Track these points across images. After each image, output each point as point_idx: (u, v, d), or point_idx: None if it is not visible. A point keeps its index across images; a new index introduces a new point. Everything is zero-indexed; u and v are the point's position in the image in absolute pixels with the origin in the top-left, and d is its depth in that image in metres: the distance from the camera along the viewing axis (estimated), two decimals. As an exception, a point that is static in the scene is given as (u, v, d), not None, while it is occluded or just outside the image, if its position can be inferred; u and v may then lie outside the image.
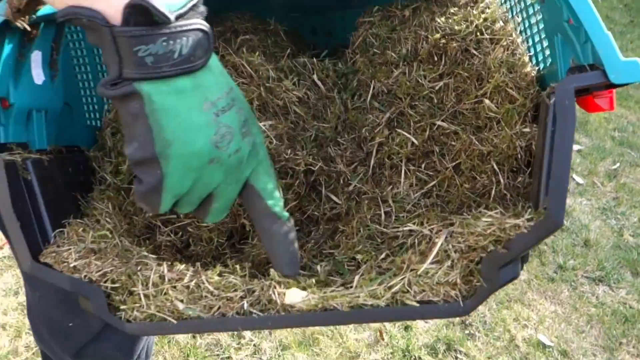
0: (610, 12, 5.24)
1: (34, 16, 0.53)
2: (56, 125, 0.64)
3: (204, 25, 0.43)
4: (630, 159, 2.81)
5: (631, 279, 2.08)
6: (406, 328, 1.77)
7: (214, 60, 0.46)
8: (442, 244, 0.52)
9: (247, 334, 1.69)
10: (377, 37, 0.71)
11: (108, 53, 0.42)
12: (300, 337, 1.70)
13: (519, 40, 0.67)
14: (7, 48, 0.54)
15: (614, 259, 2.15)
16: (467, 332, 1.80)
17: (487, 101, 0.65)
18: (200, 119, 0.45)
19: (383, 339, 1.73)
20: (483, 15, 0.67)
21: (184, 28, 0.42)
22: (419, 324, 1.82)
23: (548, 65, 0.66)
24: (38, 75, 0.59)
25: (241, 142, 0.48)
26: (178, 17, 0.42)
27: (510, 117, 0.64)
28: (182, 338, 1.67)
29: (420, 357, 1.68)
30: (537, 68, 0.67)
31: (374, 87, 0.69)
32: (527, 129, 0.64)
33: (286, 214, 0.55)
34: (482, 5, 0.69)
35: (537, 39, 0.69)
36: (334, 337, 1.72)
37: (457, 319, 1.86)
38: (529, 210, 0.51)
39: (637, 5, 5.06)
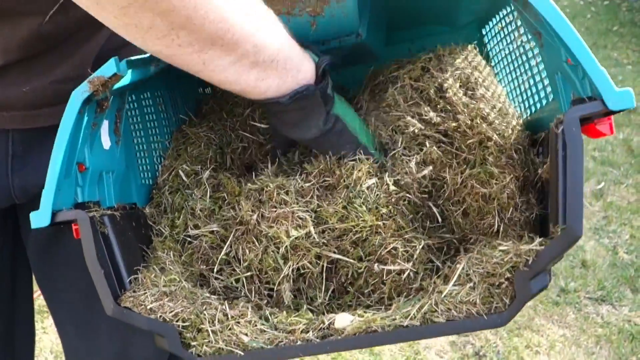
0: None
1: (107, 92, 0.61)
2: (120, 185, 0.71)
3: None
4: (613, 178, 2.90)
5: (632, 296, 2.13)
6: (422, 365, 1.78)
7: None
8: (463, 268, 0.59)
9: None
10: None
11: (315, 104, 0.62)
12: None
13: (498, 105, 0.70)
14: (85, 119, 0.62)
15: (612, 278, 2.20)
16: (482, 363, 1.81)
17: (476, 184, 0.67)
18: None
19: (401, 379, 1.73)
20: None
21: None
22: (433, 358, 1.84)
23: (545, 105, 0.71)
24: (106, 141, 0.66)
25: None
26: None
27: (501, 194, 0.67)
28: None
29: (439, 394, 1.69)
30: (524, 117, 0.73)
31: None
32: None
33: None
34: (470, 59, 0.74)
35: (537, 79, 0.73)
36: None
37: (471, 351, 1.88)
38: (539, 238, 0.56)
39: (597, 27, 5.30)
